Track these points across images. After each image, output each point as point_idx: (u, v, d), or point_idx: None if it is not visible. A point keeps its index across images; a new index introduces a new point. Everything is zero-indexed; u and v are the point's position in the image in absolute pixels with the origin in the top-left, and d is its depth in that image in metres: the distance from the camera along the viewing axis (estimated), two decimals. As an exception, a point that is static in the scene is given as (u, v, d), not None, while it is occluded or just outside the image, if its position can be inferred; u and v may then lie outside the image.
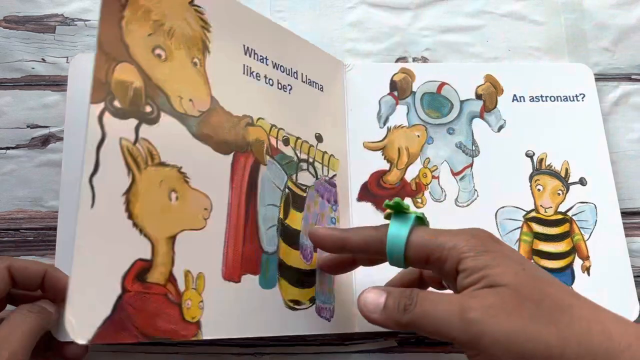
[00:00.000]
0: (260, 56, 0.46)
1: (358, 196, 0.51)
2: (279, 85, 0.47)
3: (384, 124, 0.53)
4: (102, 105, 0.34)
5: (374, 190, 0.51)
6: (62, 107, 0.53)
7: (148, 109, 0.37)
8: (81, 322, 0.31)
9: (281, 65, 0.47)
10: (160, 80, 0.38)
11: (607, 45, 0.58)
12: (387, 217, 0.38)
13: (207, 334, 0.37)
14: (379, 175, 0.52)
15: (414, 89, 0.54)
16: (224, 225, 0.40)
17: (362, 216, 0.50)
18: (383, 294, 0.36)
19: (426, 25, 0.58)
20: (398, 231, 0.36)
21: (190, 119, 0.39)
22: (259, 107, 0.44)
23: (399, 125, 0.53)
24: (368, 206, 0.51)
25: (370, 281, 0.48)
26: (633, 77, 0.58)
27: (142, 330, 0.34)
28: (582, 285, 0.49)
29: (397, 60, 0.57)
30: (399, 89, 0.54)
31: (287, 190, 0.45)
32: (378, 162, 0.52)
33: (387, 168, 0.52)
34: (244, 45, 0.45)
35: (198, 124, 0.40)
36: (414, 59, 0.57)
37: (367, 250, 0.38)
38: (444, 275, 0.36)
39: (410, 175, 0.52)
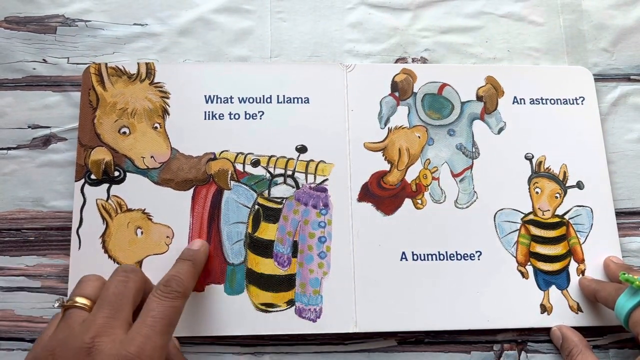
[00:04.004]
0: (225, 98, 0.53)
1: (358, 196, 0.51)
2: (247, 115, 0.53)
3: (385, 125, 0.53)
4: (82, 180, 0.50)
5: (374, 191, 0.51)
6: (63, 108, 0.53)
7: (116, 173, 0.50)
8: None
9: (250, 98, 0.53)
10: (126, 149, 0.51)
11: (606, 46, 0.59)
12: (625, 281, 0.44)
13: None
14: (379, 176, 0.52)
15: (415, 90, 0.54)
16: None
17: (363, 216, 0.50)
18: None
19: (425, 26, 0.58)
20: (625, 303, 0.43)
21: (152, 171, 0.51)
22: (222, 142, 0.52)
23: (400, 126, 0.53)
24: (368, 206, 0.51)
25: (370, 282, 0.49)
26: (632, 77, 0.58)
27: None
28: (577, 288, 0.50)
29: (397, 61, 0.57)
30: (400, 89, 0.54)
31: (256, 206, 0.50)
32: (379, 163, 0.52)
33: (388, 169, 0.52)
34: (205, 96, 0.53)
35: (159, 173, 0.51)
36: (414, 60, 0.57)
37: (607, 305, 0.47)
38: None
39: (411, 176, 0.52)
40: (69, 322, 0.38)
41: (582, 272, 0.50)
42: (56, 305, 0.40)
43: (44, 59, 0.54)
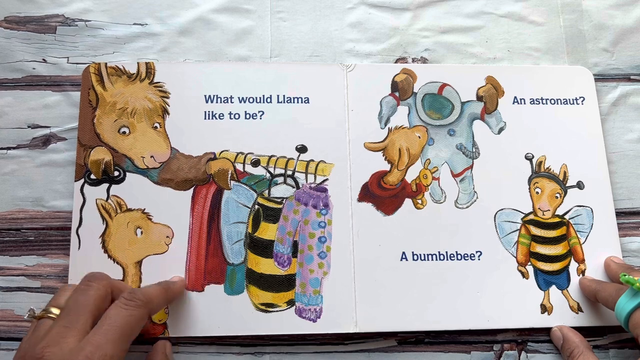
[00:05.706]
0: (225, 98, 0.53)
1: (358, 196, 0.51)
2: (247, 115, 0.53)
3: (385, 125, 0.53)
4: (82, 180, 0.50)
5: (374, 191, 0.51)
6: (62, 108, 0.53)
7: (116, 173, 0.50)
8: None
9: (250, 97, 0.53)
10: (126, 149, 0.51)
11: (606, 46, 0.59)
12: (626, 282, 0.44)
13: (173, 332, 0.47)
14: (379, 176, 0.52)
15: (415, 90, 0.54)
16: (186, 246, 0.49)
17: (363, 216, 0.50)
18: None
19: (426, 26, 0.58)
20: (625, 304, 0.43)
21: (152, 171, 0.51)
22: (222, 142, 0.52)
23: (400, 126, 0.53)
24: (368, 206, 0.51)
25: (370, 282, 0.49)
26: (632, 77, 0.58)
27: None
28: (577, 288, 0.50)
29: (397, 61, 0.57)
30: (400, 89, 0.54)
31: (256, 206, 0.50)
32: (379, 163, 0.52)
33: (388, 169, 0.52)
34: (205, 96, 0.53)
35: (159, 173, 0.51)
36: (414, 60, 0.57)
37: (607, 305, 0.46)
38: None
39: (411, 176, 0.52)
40: (35, 333, 0.39)
41: (583, 272, 0.50)
42: (26, 316, 0.41)
43: (43, 59, 0.54)
